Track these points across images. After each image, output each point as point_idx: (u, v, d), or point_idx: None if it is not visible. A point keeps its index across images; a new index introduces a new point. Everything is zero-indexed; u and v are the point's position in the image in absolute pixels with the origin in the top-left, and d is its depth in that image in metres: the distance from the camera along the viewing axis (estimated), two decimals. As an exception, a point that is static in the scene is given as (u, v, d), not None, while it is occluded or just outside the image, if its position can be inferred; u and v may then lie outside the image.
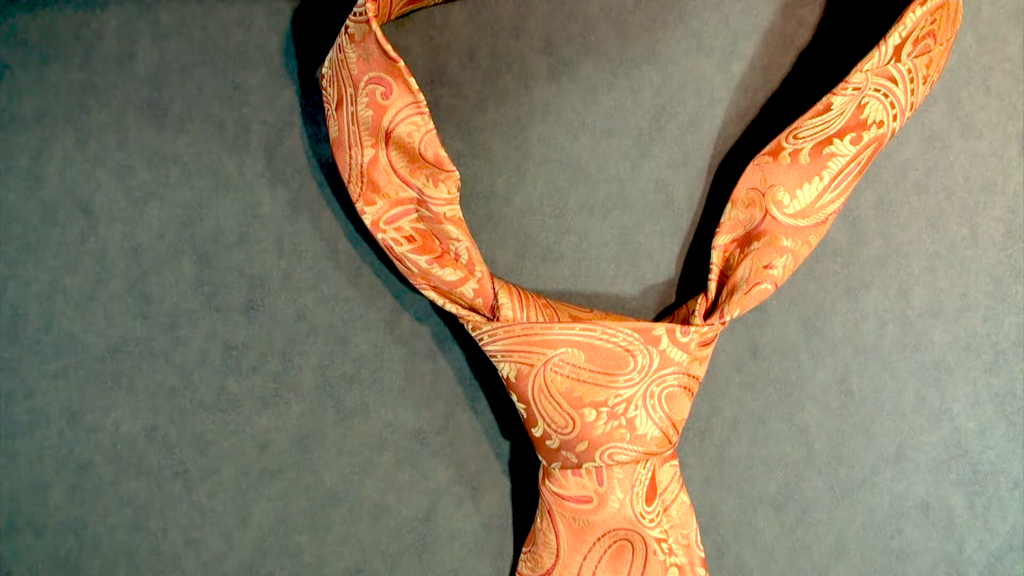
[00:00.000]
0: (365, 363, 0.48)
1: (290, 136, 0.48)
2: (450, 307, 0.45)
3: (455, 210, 0.45)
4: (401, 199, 0.45)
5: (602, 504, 0.45)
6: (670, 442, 0.45)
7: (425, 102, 0.44)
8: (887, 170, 0.48)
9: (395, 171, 0.45)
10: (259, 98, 0.48)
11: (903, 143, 0.48)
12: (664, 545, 0.46)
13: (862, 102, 0.44)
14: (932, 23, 0.44)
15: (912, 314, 0.48)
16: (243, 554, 0.48)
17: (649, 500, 0.45)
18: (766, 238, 0.45)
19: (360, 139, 0.45)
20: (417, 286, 0.46)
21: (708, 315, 0.45)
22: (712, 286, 0.45)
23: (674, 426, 0.45)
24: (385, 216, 0.45)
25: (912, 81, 0.45)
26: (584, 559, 0.46)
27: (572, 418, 0.44)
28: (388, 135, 0.44)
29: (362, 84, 0.44)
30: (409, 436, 0.48)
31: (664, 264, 0.48)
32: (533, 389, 0.44)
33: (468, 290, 0.45)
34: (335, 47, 0.45)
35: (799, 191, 0.45)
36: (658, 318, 0.48)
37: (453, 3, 0.48)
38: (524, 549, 0.47)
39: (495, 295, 0.45)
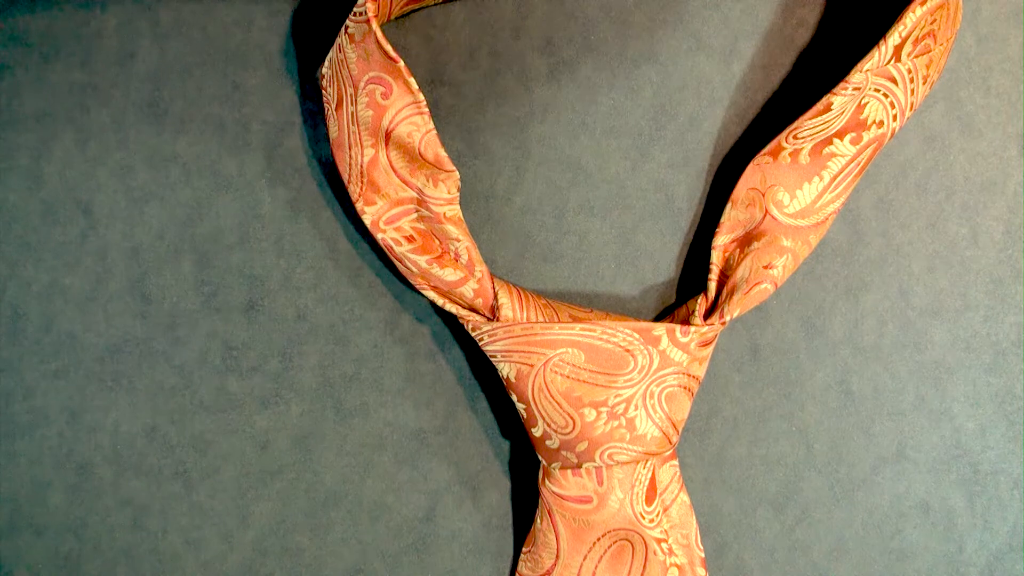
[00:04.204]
0: (365, 363, 0.48)
1: (290, 136, 0.48)
2: (450, 307, 0.45)
3: (455, 210, 0.45)
4: (401, 199, 0.45)
5: (602, 504, 0.45)
6: (670, 442, 0.45)
7: (425, 102, 0.44)
8: (887, 170, 0.48)
9: (395, 171, 0.45)
10: (259, 98, 0.48)
11: (903, 143, 0.48)
12: (664, 545, 0.46)
13: (862, 102, 0.44)
14: (932, 23, 0.44)
15: (912, 314, 0.48)
16: (243, 554, 0.48)
17: (649, 500, 0.45)
18: (766, 238, 0.45)
19: (360, 139, 0.45)
20: (417, 286, 0.46)
21: (708, 315, 0.45)
22: (712, 286, 0.45)
23: (674, 426, 0.45)
24: (385, 216, 0.45)
25: (912, 81, 0.45)
26: (584, 559, 0.46)
27: (572, 418, 0.44)
28: (388, 135, 0.44)
29: (362, 84, 0.44)
30: (409, 436, 0.48)
31: (664, 264, 0.48)
32: (533, 389, 0.44)
33: (468, 290, 0.45)
34: (335, 47, 0.45)
35: (799, 191, 0.45)
36: (658, 318, 0.48)
37: (453, 3, 0.48)
38: (524, 549, 0.47)
39: (495, 295, 0.45)
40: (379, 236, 0.45)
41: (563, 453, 0.45)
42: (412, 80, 0.43)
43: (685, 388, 0.45)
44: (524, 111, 0.48)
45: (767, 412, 0.48)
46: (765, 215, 0.45)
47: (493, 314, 0.45)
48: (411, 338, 0.48)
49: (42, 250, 0.49)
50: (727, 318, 0.44)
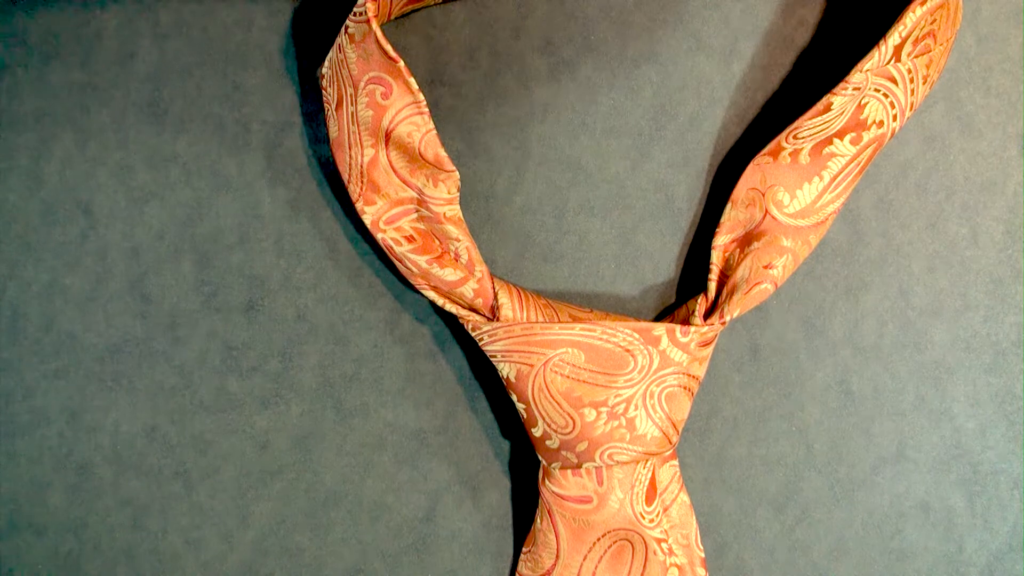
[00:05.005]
0: (365, 363, 0.48)
1: (290, 136, 0.48)
2: (450, 307, 0.45)
3: (455, 210, 0.45)
4: (401, 199, 0.45)
5: (602, 504, 0.45)
6: (670, 442, 0.45)
7: (425, 102, 0.44)
8: (887, 170, 0.48)
9: (395, 171, 0.45)
10: (259, 98, 0.48)
11: (903, 143, 0.48)
12: (664, 545, 0.46)
13: (862, 102, 0.44)
14: (932, 23, 0.44)
15: (912, 314, 0.48)
16: (243, 554, 0.48)
17: (649, 500, 0.45)
18: (766, 238, 0.45)
19: (360, 139, 0.45)
20: (417, 286, 0.46)
21: (708, 315, 0.45)
22: (712, 286, 0.45)
23: (674, 426, 0.45)
24: (385, 216, 0.45)
25: (912, 81, 0.45)
26: (584, 559, 0.46)
27: (572, 418, 0.44)
28: (388, 135, 0.44)
29: (362, 84, 0.44)
30: (409, 436, 0.48)
31: (664, 264, 0.48)
32: (533, 389, 0.44)
33: (468, 290, 0.45)
34: (335, 47, 0.45)
35: (799, 191, 0.45)
36: (658, 318, 0.48)
37: (453, 3, 0.48)
38: (524, 549, 0.47)
39: (495, 295, 0.45)
40: (379, 236, 0.45)
41: (563, 453, 0.45)
42: (412, 80, 0.43)
43: (685, 388, 0.45)
44: (524, 111, 0.48)
45: (767, 412, 0.48)
46: (765, 215, 0.45)
47: (493, 314, 0.45)
48: (411, 338, 0.48)
49: (42, 250, 0.49)
50: (727, 318, 0.44)
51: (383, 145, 0.45)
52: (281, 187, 0.48)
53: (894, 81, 0.44)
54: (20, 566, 0.49)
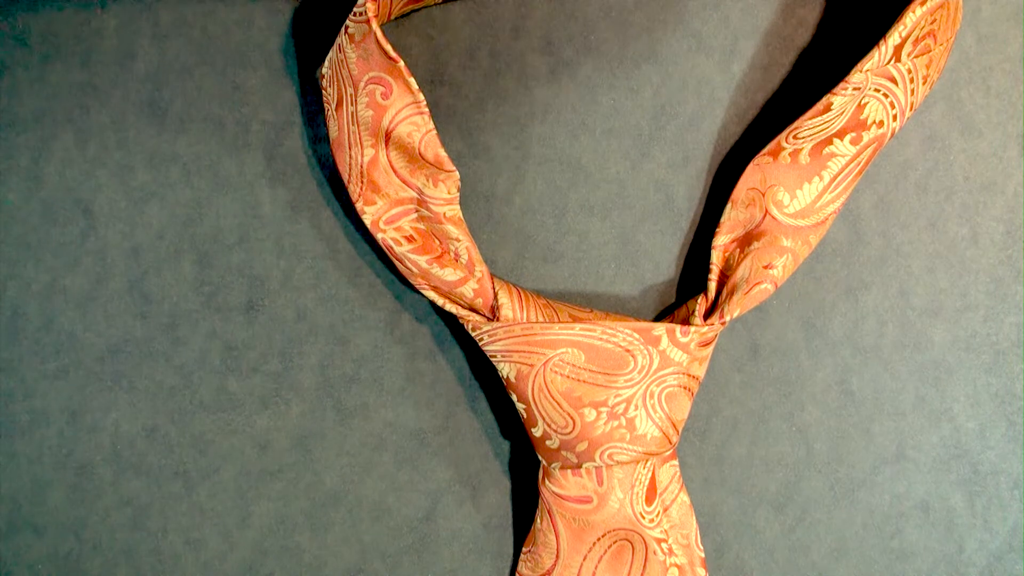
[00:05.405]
0: (365, 363, 0.48)
1: (290, 136, 0.48)
2: (450, 307, 0.45)
3: (455, 210, 0.45)
4: (401, 199, 0.45)
5: (602, 504, 0.45)
6: (670, 442, 0.45)
7: (425, 102, 0.44)
8: (887, 170, 0.48)
9: (395, 171, 0.45)
10: (259, 98, 0.48)
11: (903, 143, 0.48)
12: (664, 545, 0.46)
13: (862, 102, 0.44)
14: (932, 23, 0.44)
15: (912, 314, 0.48)
16: (243, 554, 0.48)
17: (649, 500, 0.45)
18: (766, 238, 0.45)
19: (360, 139, 0.45)
20: (417, 286, 0.46)
21: (708, 315, 0.45)
22: (712, 286, 0.45)
23: (674, 426, 0.45)
24: (385, 216, 0.45)
25: (912, 81, 0.45)
26: (584, 559, 0.46)
27: (572, 418, 0.44)
28: (388, 135, 0.44)
29: (362, 84, 0.44)
30: (409, 436, 0.48)
31: (664, 264, 0.48)
32: (533, 389, 0.44)
33: (468, 290, 0.45)
34: (335, 47, 0.45)
35: (799, 191, 0.45)
36: (658, 318, 0.48)
37: (453, 3, 0.48)
38: (524, 549, 0.47)
39: (495, 295, 0.45)
40: (379, 236, 0.45)
41: (563, 453, 0.45)
42: (412, 80, 0.43)
43: (685, 388, 0.45)
44: (524, 111, 0.48)
45: (767, 412, 0.48)
46: (765, 215, 0.45)
47: (493, 314, 0.45)
48: (411, 338, 0.48)
49: (42, 250, 0.49)
50: (727, 318, 0.44)
51: (383, 145, 0.45)
52: (281, 187, 0.48)
53: (894, 81, 0.44)
54: (20, 566, 0.49)
